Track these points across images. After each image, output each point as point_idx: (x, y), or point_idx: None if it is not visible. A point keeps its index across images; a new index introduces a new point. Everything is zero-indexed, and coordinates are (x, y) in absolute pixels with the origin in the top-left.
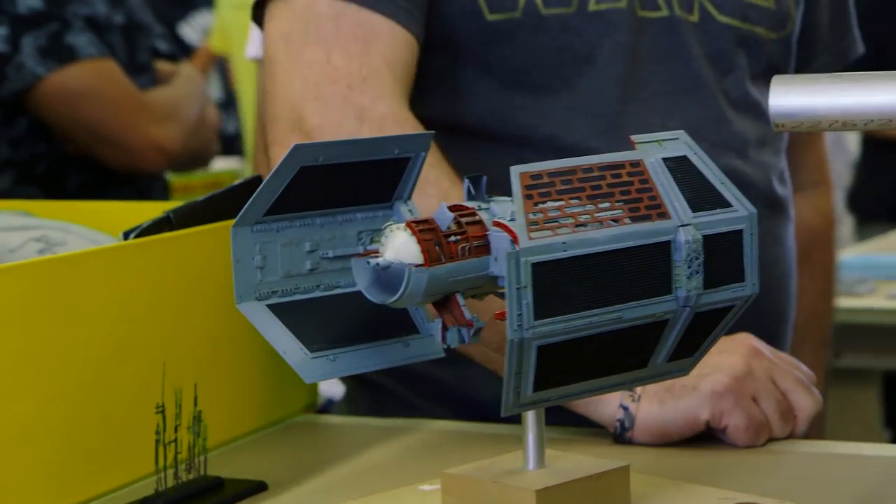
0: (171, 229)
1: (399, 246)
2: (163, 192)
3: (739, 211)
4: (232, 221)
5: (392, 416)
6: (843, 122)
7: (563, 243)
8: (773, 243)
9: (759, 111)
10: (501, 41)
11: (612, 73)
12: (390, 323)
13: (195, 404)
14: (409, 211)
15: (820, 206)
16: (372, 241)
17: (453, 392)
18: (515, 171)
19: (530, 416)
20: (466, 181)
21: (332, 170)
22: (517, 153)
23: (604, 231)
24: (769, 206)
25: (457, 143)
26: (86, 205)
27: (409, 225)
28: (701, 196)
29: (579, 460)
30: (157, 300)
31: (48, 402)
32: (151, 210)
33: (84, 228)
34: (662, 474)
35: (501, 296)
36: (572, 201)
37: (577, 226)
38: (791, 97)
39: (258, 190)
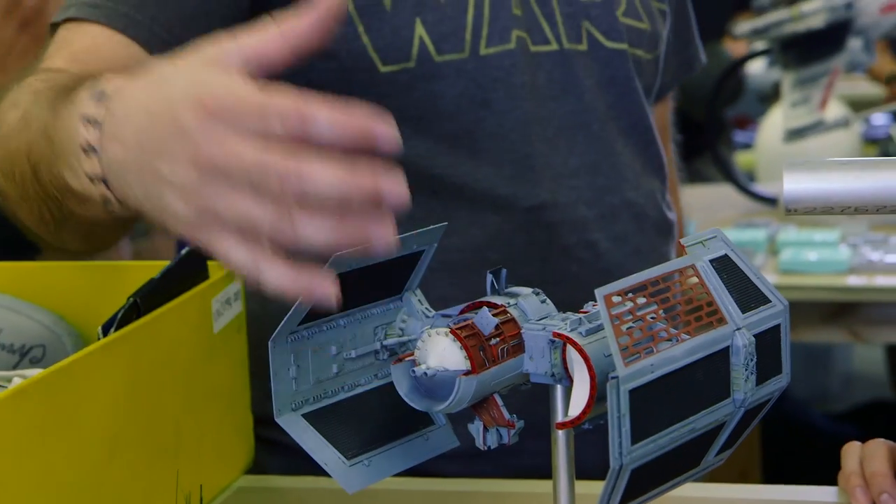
0: (139, 314)
1: (442, 353)
2: None
3: (777, 306)
4: (193, 291)
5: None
6: (855, 208)
7: (652, 365)
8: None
9: (647, 137)
10: (397, 92)
11: (510, 116)
12: (408, 416)
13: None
14: (419, 300)
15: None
16: (386, 336)
17: None
18: (600, 294)
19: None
20: (490, 276)
21: (359, 272)
22: (427, 204)
23: (679, 347)
24: (660, 233)
25: None
26: None
27: (453, 332)
28: (746, 295)
29: None
30: (140, 389)
31: None
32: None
33: None
34: None
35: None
36: (649, 318)
37: (657, 343)
38: (806, 183)
39: (297, 302)
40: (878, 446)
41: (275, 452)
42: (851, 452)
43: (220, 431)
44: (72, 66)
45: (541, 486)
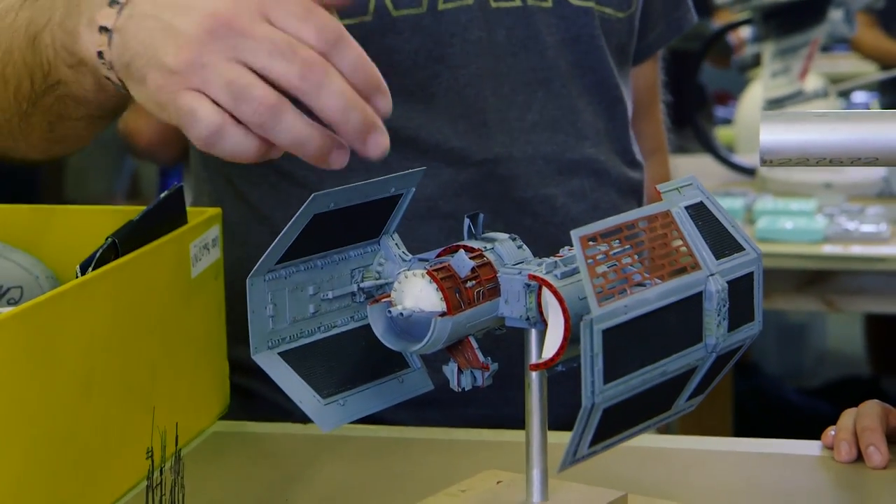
0: (117, 255)
1: (418, 294)
2: None
3: (750, 254)
4: (171, 234)
5: (265, 420)
6: (830, 160)
7: (625, 306)
8: None
9: (613, 95)
10: None
11: (465, 71)
12: (384, 358)
13: (176, 443)
14: (396, 245)
15: (656, 174)
16: (363, 278)
17: None
18: (576, 235)
19: (536, 450)
20: (467, 220)
21: (338, 213)
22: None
23: (653, 290)
24: (621, 192)
25: None
26: None
27: (430, 273)
28: (720, 242)
29: (579, 491)
30: (117, 329)
31: (30, 454)
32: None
33: None
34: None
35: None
36: (624, 261)
37: (631, 286)
38: (782, 134)
39: (276, 240)
40: (873, 406)
41: (246, 400)
42: (848, 414)
43: (196, 376)
44: None
45: (507, 435)
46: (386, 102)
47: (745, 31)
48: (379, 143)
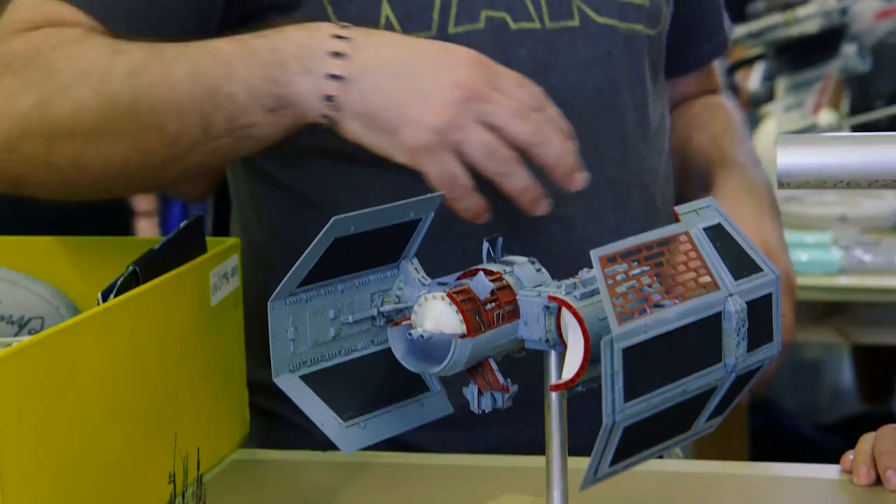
0: (138, 283)
1: (438, 316)
2: None
3: (769, 275)
4: (191, 263)
5: (287, 441)
6: (848, 182)
7: (645, 325)
8: None
9: (641, 111)
10: None
11: None
12: (404, 382)
13: (198, 468)
14: (415, 269)
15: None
16: (383, 303)
17: None
18: (595, 255)
19: (556, 471)
20: (486, 243)
21: (358, 238)
22: (396, 175)
23: (673, 309)
24: (648, 214)
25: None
26: None
27: (449, 295)
28: (739, 263)
29: None
30: (139, 356)
31: (53, 480)
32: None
33: None
34: None
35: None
36: (643, 281)
37: (651, 306)
38: (799, 157)
39: (297, 264)
40: (891, 430)
41: (268, 421)
42: (866, 438)
43: (216, 404)
44: None
45: (528, 460)
46: (576, 147)
47: (753, 72)
48: (579, 180)
